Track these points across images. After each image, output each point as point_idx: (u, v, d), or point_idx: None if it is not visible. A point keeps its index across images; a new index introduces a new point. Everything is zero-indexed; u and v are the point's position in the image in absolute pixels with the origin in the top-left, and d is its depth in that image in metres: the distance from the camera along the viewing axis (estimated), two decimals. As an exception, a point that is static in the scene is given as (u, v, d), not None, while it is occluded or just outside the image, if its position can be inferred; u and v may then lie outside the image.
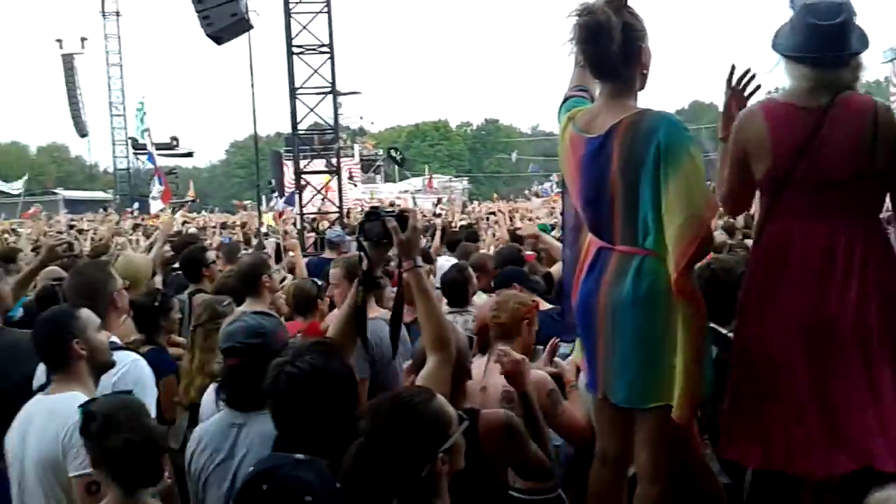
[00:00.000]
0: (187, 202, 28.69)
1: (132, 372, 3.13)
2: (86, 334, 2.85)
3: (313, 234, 13.65)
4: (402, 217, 2.65)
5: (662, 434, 2.62)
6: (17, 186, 30.41)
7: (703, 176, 2.61)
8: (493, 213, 16.83)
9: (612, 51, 2.58)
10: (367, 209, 2.90)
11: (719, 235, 7.07)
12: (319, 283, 4.99)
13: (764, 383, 2.64)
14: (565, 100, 2.98)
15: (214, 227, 16.38)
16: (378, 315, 3.82)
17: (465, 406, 2.66)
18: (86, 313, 2.91)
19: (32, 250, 9.82)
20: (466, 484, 2.18)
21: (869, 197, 2.68)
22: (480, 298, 4.90)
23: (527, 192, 34.05)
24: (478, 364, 3.23)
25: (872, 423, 2.52)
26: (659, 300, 2.56)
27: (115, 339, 3.24)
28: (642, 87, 2.74)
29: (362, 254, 2.71)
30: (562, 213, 3.50)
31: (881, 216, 2.86)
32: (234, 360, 2.76)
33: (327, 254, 8.88)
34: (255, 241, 11.89)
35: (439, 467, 2.00)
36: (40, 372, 3.06)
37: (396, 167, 39.65)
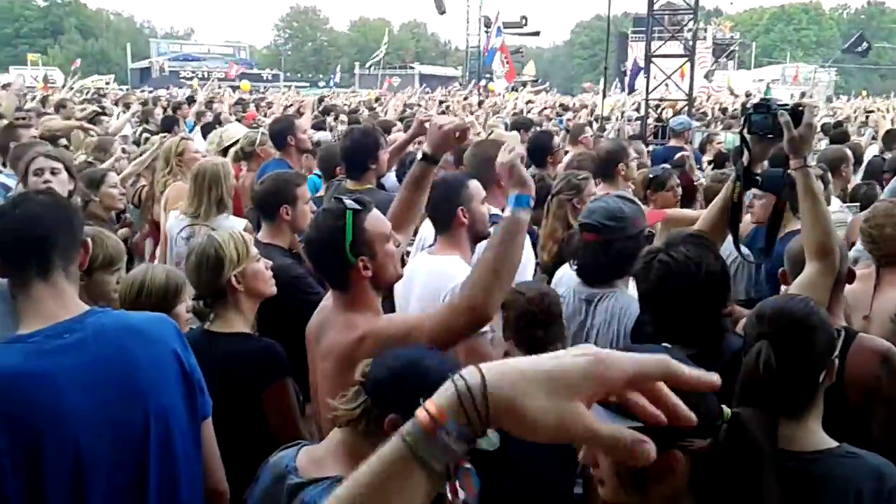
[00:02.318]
0: (528, 81, 29.29)
1: None
2: (471, 204, 3.07)
3: (657, 121, 13.25)
4: (797, 111, 2.45)
5: None
6: (374, 60, 33.55)
7: None
8: (871, 113, 14.90)
9: None
10: (754, 101, 2.70)
11: None
12: (669, 169, 4.88)
13: None
14: None
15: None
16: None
17: (839, 323, 2.47)
18: (474, 184, 3.13)
19: (399, 119, 10.83)
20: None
21: None
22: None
23: None
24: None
25: None
26: None
27: (495, 210, 3.46)
28: None
29: (743, 147, 2.57)
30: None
31: None
32: (591, 236, 2.91)
33: (672, 142, 8.61)
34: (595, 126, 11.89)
35: (829, 376, 1.90)
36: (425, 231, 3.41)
37: (752, 53, 36.51)
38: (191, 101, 13.93)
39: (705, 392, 1.55)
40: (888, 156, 6.12)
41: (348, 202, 2.29)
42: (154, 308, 2.39)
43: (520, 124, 9.17)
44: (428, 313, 2.25)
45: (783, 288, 2.82)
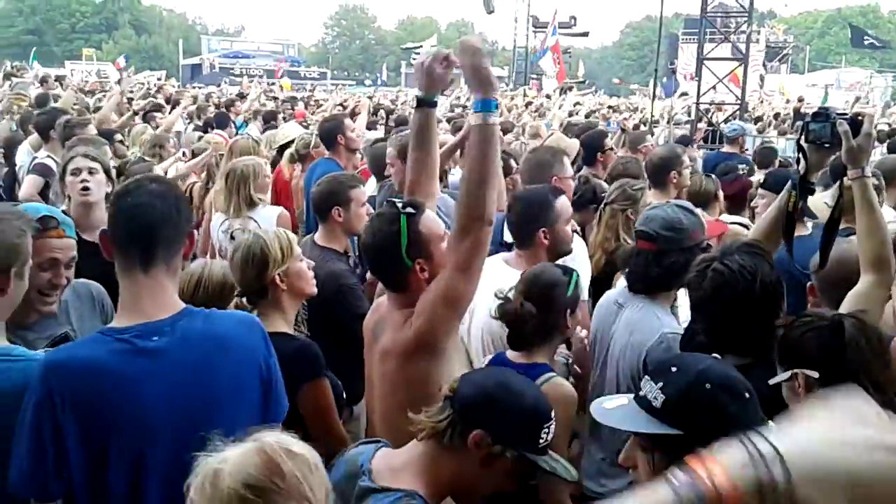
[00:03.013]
0: (581, 82, 29.09)
1: None
2: (555, 226, 3.10)
3: (707, 125, 13.08)
4: (856, 121, 2.42)
5: None
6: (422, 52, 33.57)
7: None
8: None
9: None
10: (812, 109, 2.68)
11: None
12: (714, 178, 4.83)
13: None
14: None
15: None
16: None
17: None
18: (561, 203, 3.16)
19: (447, 120, 10.86)
20: None
21: None
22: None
23: None
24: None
25: None
26: None
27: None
28: None
29: (800, 156, 2.55)
30: None
31: None
32: (646, 244, 2.89)
33: (726, 148, 8.49)
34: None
35: None
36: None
37: (806, 56, 35.74)
38: (241, 97, 14.14)
39: (756, 407, 1.56)
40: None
41: (401, 206, 2.32)
42: (208, 303, 2.43)
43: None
44: (446, 260, 2.24)
45: (810, 300, 2.79)
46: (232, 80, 32.31)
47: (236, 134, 8.25)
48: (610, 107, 19.26)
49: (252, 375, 2.02)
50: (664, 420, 1.58)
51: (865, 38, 28.22)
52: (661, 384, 1.62)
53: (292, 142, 6.16)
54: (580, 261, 3.30)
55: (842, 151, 2.44)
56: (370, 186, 4.91)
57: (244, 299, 2.75)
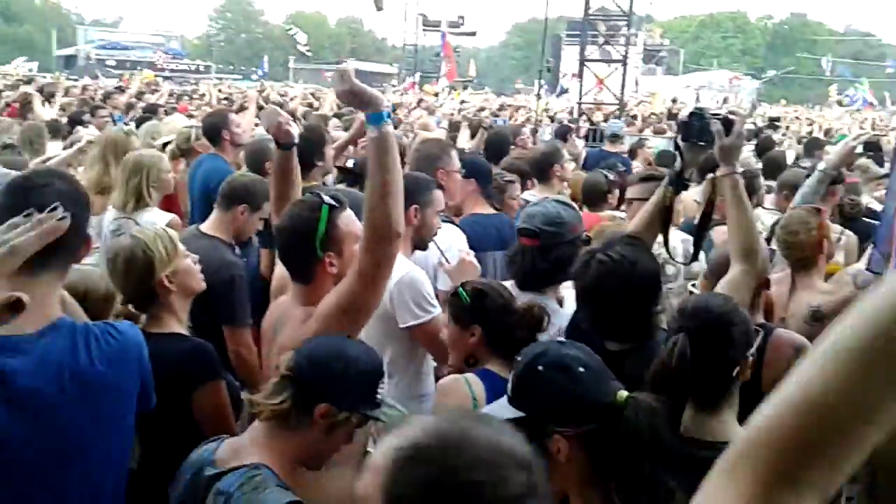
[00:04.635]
0: (470, 81, 29.50)
1: None
2: (427, 209, 3.09)
3: (587, 124, 13.53)
4: (728, 121, 2.57)
5: None
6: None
7: None
8: (777, 120, 15.60)
9: None
10: (689, 109, 2.83)
11: None
12: (609, 175, 5.02)
13: None
14: None
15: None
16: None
17: (758, 320, 2.62)
18: (438, 194, 3.18)
19: (335, 115, 10.78)
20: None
21: None
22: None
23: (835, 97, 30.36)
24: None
25: None
26: None
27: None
28: None
29: (677, 153, 2.69)
30: None
31: None
32: (528, 240, 2.97)
33: (608, 146, 8.84)
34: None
35: (743, 372, 2.02)
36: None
37: (681, 59, 37.48)
38: (120, 90, 13.58)
39: (597, 379, 1.69)
40: (805, 163, 6.40)
41: (326, 197, 2.32)
42: (96, 314, 2.31)
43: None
44: (351, 269, 2.23)
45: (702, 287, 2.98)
46: (108, 72, 30.92)
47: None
48: (501, 106, 19.59)
49: (120, 409, 1.91)
50: (513, 405, 1.75)
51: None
52: (512, 373, 1.80)
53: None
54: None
55: (715, 149, 2.60)
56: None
57: (131, 306, 2.60)
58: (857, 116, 19.92)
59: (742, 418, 2.05)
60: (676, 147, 2.69)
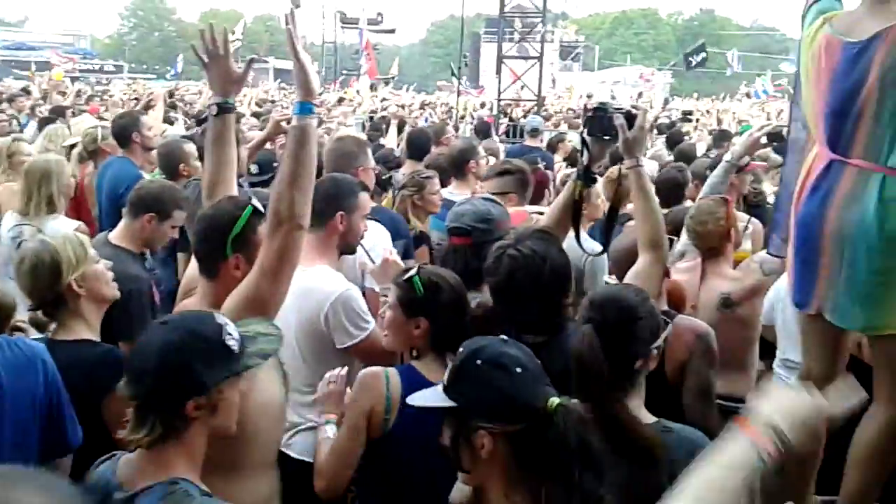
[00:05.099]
0: (391, 79, 29.42)
1: None
2: (353, 215, 3.01)
3: (507, 120, 13.70)
4: (631, 115, 2.64)
5: None
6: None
7: None
8: (690, 114, 16.10)
9: None
10: (592, 104, 2.90)
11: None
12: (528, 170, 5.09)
13: None
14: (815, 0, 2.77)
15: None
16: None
17: (663, 308, 2.71)
18: (364, 198, 3.10)
19: (253, 115, 10.62)
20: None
21: None
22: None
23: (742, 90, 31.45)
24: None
25: None
26: None
27: None
28: None
29: (584, 147, 2.75)
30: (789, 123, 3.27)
31: None
32: (459, 239, 2.97)
33: (528, 141, 8.95)
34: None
35: (646, 363, 2.08)
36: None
37: (596, 55, 38.22)
38: (26, 92, 13.04)
39: (532, 381, 1.72)
40: (713, 154, 6.61)
41: (255, 201, 2.31)
42: None
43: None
44: (257, 262, 2.20)
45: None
46: (14, 73, 29.60)
47: (20, 131, 7.61)
48: (424, 103, 19.62)
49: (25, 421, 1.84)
50: (447, 394, 1.78)
51: (692, 57, 30.45)
52: (450, 364, 1.83)
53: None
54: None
55: (619, 143, 2.67)
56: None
57: (40, 312, 2.53)
58: (769, 108, 20.68)
59: (649, 404, 2.12)
60: (583, 142, 2.75)
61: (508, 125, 13.45)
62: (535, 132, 9.04)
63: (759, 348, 3.58)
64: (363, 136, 7.09)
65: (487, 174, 4.23)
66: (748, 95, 26.69)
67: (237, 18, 75.33)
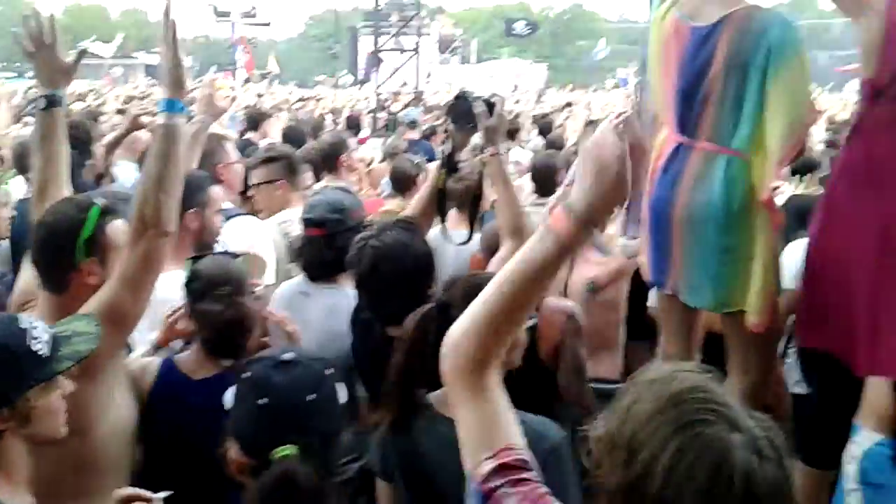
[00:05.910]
0: (269, 74, 28.78)
1: None
2: (206, 210, 2.96)
3: (386, 114, 13.66)
4: (490, 103, 2.66)
5: (750, 335, 2.63)
6: (109, 50, 30.91)
7: (809, 81, 2.51)
8: (569, 104, 16.57)
9: None
10: (455, 92, 2.91)
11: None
12: (416, 160, 5.08)
13: (835, 280, 2.58)
14: None
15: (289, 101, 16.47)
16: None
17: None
18: (216, 192, 3.03)
19: (118, 112, 10.13)
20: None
21: None
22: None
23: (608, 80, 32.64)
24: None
25: None
26: (746, 210, 2.53)
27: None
28: None
29: (447, 136, 2.75)
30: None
31: None
32: (314, 231, 2.92)
33: (407, 133, 8.95)
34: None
35: None
36: None
37: (474, 49, 38.64)
38: None
39: (277, 415, 1.58)
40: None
41: (98, 199, 2.15)
42: None
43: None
44: (118, 271, 2.07)
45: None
46: None
47: None
48: (300, 98, 19.27)
49: None
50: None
51: (514, 28, 31.83)
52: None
53: None
54: (263, 247, 3.28)
55: (480, 131, 2.68)
56: (18, 186, 4.43)
57: None
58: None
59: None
60: (445, 130, 2.75)
61: (388, 119, 13.42)
62: (413, 124, 9.07)
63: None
64: (233, 133, 6.92)
65: (252, 163, 4.01)
66: (616, 87, 27.66)
67: (101, 13, 71.99)
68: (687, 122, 2.63)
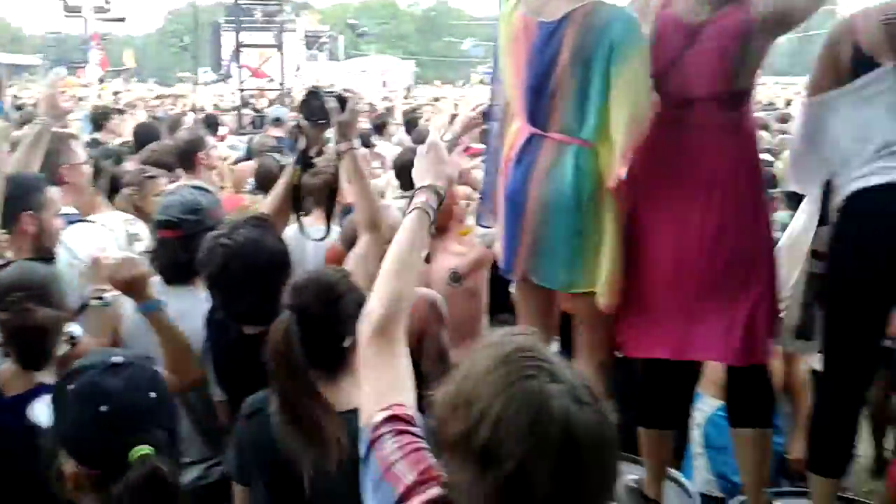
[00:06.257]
0: (125, 70, 27.52)
1: None
2: (42, 212, 2.81)
3: (252, 112, 13.35)
4: (342, 98, 2.66)
5: (598, 314, 2.73)
6: None
7: (650, 75, 2.65)
8: (437, 100, 16.79)
9: None
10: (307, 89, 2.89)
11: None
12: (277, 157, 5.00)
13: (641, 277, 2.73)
14: None
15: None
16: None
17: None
18: (52, 192, 2.88)
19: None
20: None
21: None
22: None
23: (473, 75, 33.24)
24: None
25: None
26: (595, 197, 2.63)
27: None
28: None
29: (299, 133, 2.74)
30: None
31: None
32: (168, 232, 2.83)
33: (272, 130, 8.78)
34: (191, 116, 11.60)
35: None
36: None
37: (341, 45, 38.39)
38: None
39: (121, 420, 1.50)
40: (448, 136, 6.91)
41: None
42: None
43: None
44: None
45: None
46: None
47: None
48: (158, 96, 18.54)
49: None
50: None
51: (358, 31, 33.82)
52: None
53: None
54: (112, 249, 3.13)
55: (333, 126, 2.68)
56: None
57: None
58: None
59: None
60: (298, 127, 2.73)
61: (254, 116, 13.12)
62: (278, 121, 8.91)
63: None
64: (81, 133, 6.60)
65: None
66: (482, 82, 28.17)
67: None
68: (538, 114, 2.71)
